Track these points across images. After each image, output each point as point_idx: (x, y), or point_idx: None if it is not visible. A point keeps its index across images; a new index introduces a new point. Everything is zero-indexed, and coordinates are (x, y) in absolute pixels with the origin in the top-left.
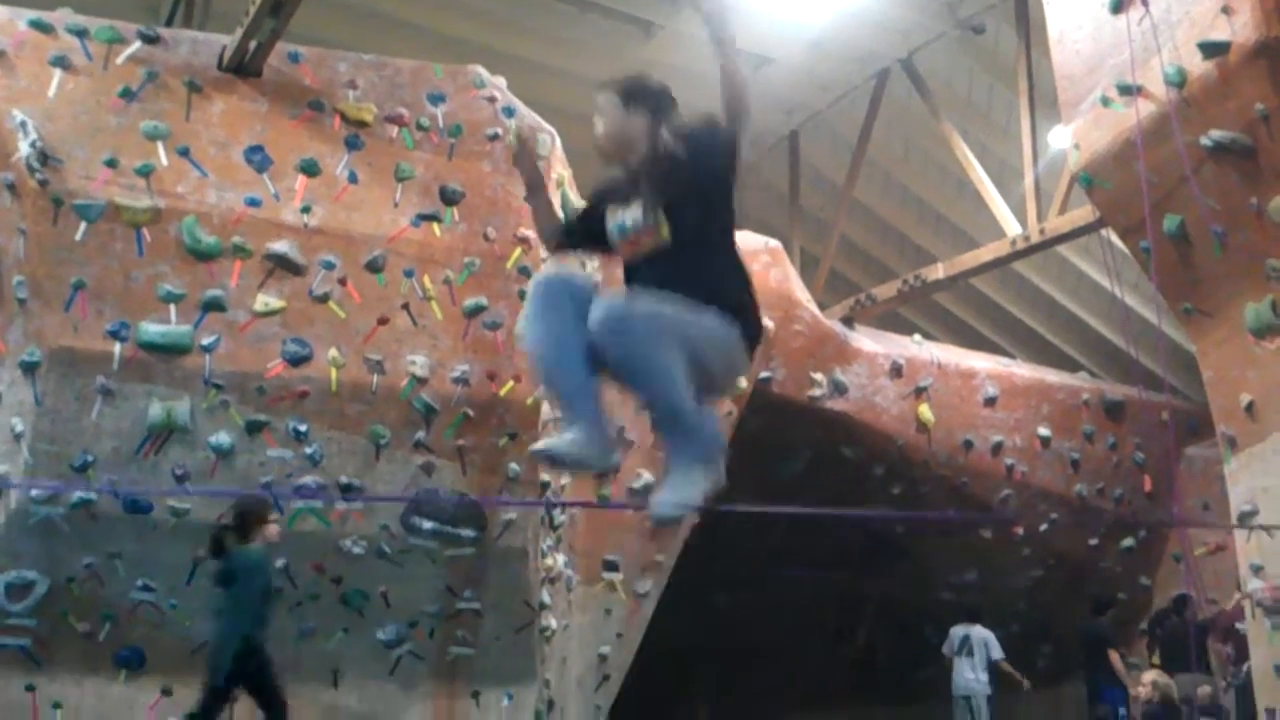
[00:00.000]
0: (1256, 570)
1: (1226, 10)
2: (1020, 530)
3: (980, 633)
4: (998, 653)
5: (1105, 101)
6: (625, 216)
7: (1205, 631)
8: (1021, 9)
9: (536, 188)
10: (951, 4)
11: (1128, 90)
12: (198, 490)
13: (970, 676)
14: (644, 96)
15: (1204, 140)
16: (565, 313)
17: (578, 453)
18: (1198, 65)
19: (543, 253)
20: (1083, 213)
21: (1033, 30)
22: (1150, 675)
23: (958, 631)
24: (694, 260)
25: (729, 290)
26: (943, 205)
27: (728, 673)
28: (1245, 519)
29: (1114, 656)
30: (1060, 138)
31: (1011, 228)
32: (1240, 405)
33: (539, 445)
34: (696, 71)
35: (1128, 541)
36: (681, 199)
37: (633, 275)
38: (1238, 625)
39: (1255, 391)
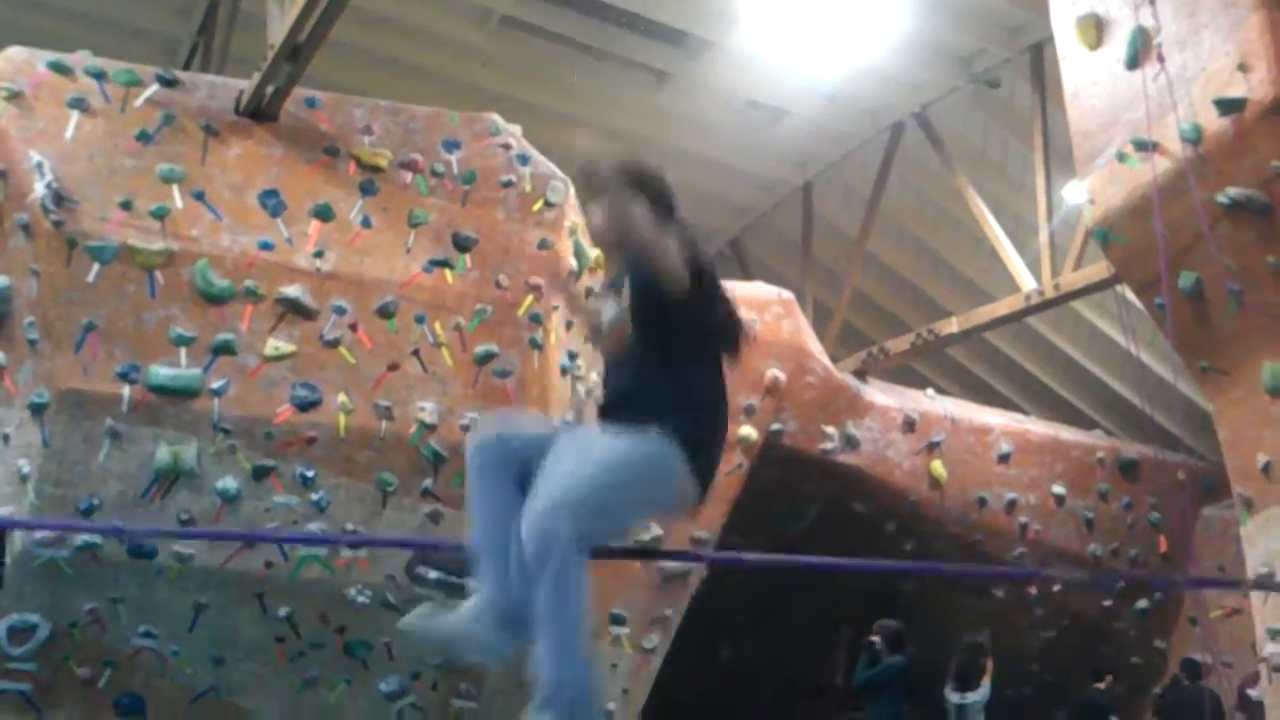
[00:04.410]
0: (1274, 634)
1: (1243, 67)
2: (1033, 590)
3: (975, 700)
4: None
5: (1121, 157)
6: (606, 312)
7: (1217, 697)
8: (1036, 64)
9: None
10: (966, 58)
11: (1143, 146)
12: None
13: None
14: (641, 187)
15: (1220, 197)
16: (504, 483)
17: (468, 641)
18: (1214, 122)
19: (553, 302)
20: (1098, 269)
21: (1048, 85)
22: None
23: (951, 698)
24: (651, 366)
25: (676, 405)
26: (957, 259)
27: None
28: (1262, 581)
29: None
30: (1075, 193)
31: (1026, 283)
32: (1257, 466)
33: (408, 620)
34: (708, 121)
35: (1142, 603)
36: (637, 302)
37: (605, 371)
38: (1250, 692)
39: (1272, 452)
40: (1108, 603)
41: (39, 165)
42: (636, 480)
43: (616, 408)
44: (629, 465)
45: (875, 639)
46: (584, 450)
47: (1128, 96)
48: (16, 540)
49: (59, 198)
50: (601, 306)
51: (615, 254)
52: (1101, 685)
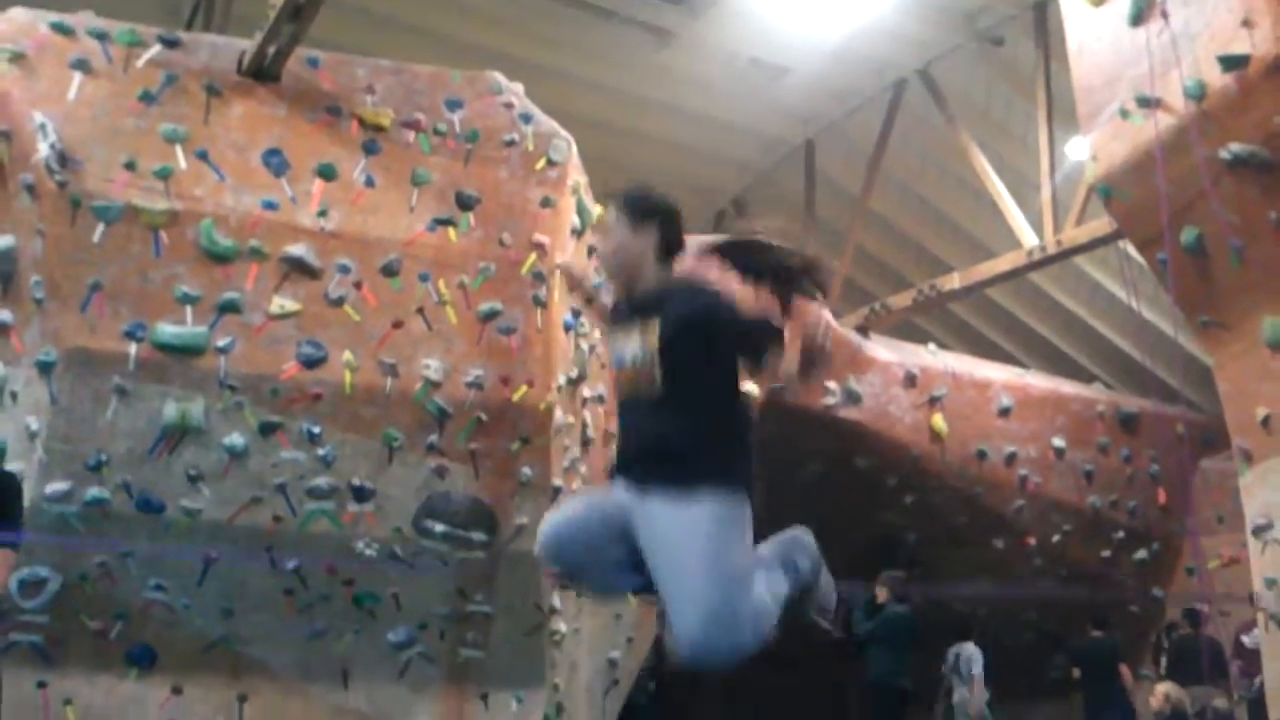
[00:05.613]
0: (1270, 584)
1: (1247, 23)
2: (1032, 540)
3: (968, 650)
4: (977, 669)
5: (1124, 114)
6: (626, 348)
7: (1218, 645)
8: (1040, 21)
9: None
10: (970, 15)
11: (1146, 103)
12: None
13: (963, 692)
14: (651, 214)
15: (1223, 153)
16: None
17: None
18: (1217, 78)
19: (557, 259)
20: (1100, 224)
21: (1052, 42)
22: (1163, 687)
23: (951, 650)
24: (686, 412)
25: (717, 458)
26: (959, 216)
27: (740, 679)
28: (1260, 532)
29: (1125, 671)
30: (1078, 149)
31: (1028, 239)
32: (1256, 419)
33: None
34: (710, 79)
35: (1141, 554)
36: (675, 347)
37: (625, 413)
38: (1244, 639)
39: (1271, 405)
40: (1106, 553)
41: (42, 126)
42: (735, 544)
43: (656, 463)
44: (720, 539)
45: (877, 590)
46: (675, 549)
47: (1131, 53)
48: (27, 495)
49: (63, 158)
50: (619, 341)
51: (627, 281)
52: (1103, 634)
